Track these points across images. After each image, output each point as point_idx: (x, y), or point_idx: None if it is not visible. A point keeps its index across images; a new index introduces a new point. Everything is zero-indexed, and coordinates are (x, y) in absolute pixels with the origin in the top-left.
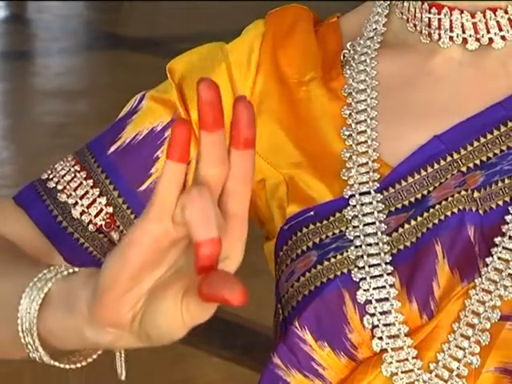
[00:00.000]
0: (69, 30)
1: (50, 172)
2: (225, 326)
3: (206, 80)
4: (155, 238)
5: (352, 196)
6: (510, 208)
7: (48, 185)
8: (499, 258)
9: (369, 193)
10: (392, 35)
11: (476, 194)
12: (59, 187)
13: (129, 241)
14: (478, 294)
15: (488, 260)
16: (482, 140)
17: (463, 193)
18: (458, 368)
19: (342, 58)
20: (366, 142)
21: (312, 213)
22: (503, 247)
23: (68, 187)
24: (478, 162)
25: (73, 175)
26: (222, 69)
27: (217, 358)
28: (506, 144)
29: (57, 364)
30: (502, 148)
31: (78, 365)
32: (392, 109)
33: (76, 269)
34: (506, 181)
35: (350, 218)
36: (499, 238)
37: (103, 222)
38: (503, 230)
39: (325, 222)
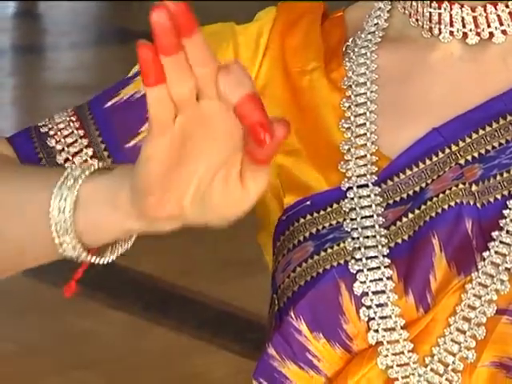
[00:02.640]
0: (79, 24)
1: (47, 120)
2: (234, 320)
3: (158, 6)
4: (166, 148)
5: (350, 188)
6: (507, 202)
7: (41, 130)
8: (496, 252)
9: (367, 186)
10: (394, 30)
11: (474, 188)
12: (51, 133)
13: (145, 157)
14: (474, 288)
15: (485, 254)
16: (481, 132)
17: (461, 186)
18: (453, 362)
19: (343, 49)
20: (364, 134)
21: (308, 202)
22: (500, 241)
23: (59, 133)
24: (476, 154)
25: (66, 124)
26: (229, 47)
27: (227, 353)
28: (504, 137)
29: (93, 260)
30: (500, 141)
31: (107, 259)
32: (391, 102)
33: (97, 166)
34: (505, 174)
35: (347, 210)
36: (496, 232)
37: None
38: (501, 224)
39: (322, 212)
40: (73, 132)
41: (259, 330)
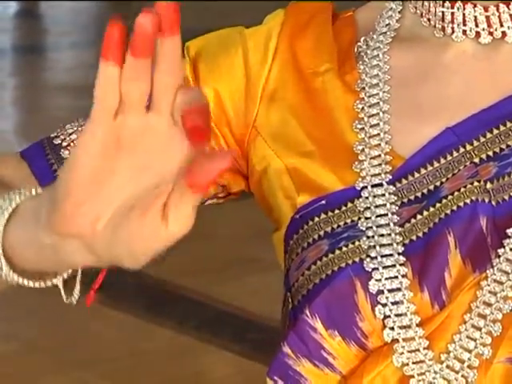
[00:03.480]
0: (80, 24)
1: (59, 130)
2: (235, 320)
3: (148, 11)
4: (99, 140)
5: (364, 188)
6: None
7: (54, 141)
8: (511, 250)
9: (381, 185)
10: (405, 30)
11: (489, 185)
12: (64, 144)
13: (77, 145)
14: (489, 285)
15: (500, 251)
16: (495, 131)
17: (476, 184)
18: (469, 359)
19: (355, 50)
20: (378, 134)
21: (323, 201)
22: None
23: (72, 144)
24: (490, 153)
25: (79, 134)
26: (238, 52)
27: (227, 353)
28: None
29: (20, 281)
30: None
31: (37, 285)
32: (404, 102)
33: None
34: None
35: (362, 209)
36: (511, 230)
37: None
38: None
39: (336, 211)
40: None
41: (259, 330)
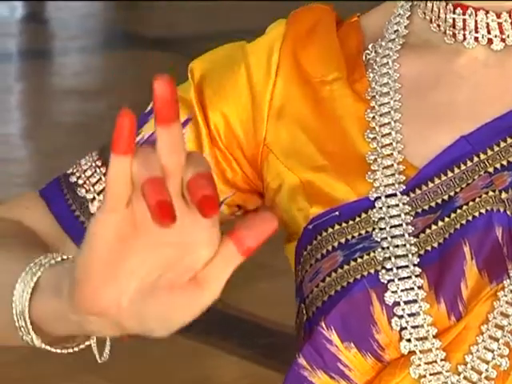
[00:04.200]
0: (87, 29)
1: (74, 167)
2: (243, 325)
3: (162, 77)
4: (114, 227)
5: (378, 198)
6: None
7: (70, 179)
8: None
9: (395, 195)
10: (414, 36)
11: (504, 195)
12: (80, 182)
13: (92, 233)
14: (506, 296)
15: None
16: (509, 141)
17: (491, 193)
18: (486, 370)
19: (364, 58)
20: (390, 144)
21: (337, 213)
22: None
23: (88, 182)
24: (505, 162)
25: (93, 170)
26: (241, 70)
27: (234, 357)
28: None
29: (48, 348)
30: None
31: (70, 350)
32: (416, 110)
33: (66, 256)
34: None
35: (376, 219)
36: None
37: None
38: None
39: (350, 222)
40: (101, 178)
41: (267, 335)
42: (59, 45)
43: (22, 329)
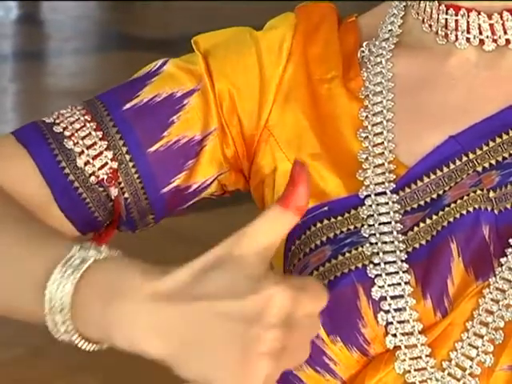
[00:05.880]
0: (82, 30)
1: (55, 117)
2: None
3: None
4: None
5: (368, 196)
6: None
7: (55, 129)
8: None
9: (385, 193)
10: (408, 36)
11: (491, 194)
12: (66, 133)
13: None
14: (492, 293)
15: (502, 260)
16: (498, 140)
17: (479, 192)
18: (470, 367)
19: (358, 56)
20: (382, 143)
21: (326, 208)
22: None
23: (76, 135)
24: (493, 161)
25: (82, 124)
26: (251, 52)
27: None
28: None
29: (80, 344)
30: None
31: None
32: (408, 110)
33: (110, 253)
34: None
35: (365, 216)
36: None
37: (105, 176)
38: None
39: (339, 217)
40: (90, 133)
41: None
42: (54, 46)
43: (56, 323)
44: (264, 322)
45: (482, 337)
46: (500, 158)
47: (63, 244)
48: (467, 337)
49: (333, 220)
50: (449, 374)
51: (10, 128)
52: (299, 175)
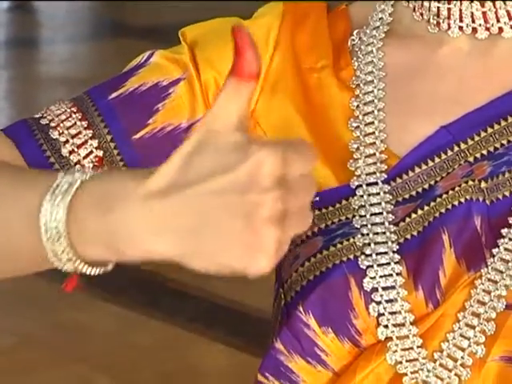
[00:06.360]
0: (74, 18)
1: (44, 112)
2: (229, 313)
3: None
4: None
5: (359, 186)
6: None
7: (41, 121)
8: (506, 249)
9: (376, 183)
10: (398, 25)
11: (483, 185)
12: (52, 124)
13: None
14: (483, 284)
15: (494, 250)
16: (490, 130)
17: (470, 183)
18: (462, 357)
19: (349, 45)
20: (373, 133)
21: (317, 198)
22: (510, 238)
23: (61, 125)
24: (485, 152)
25: (68, 115)
26: None
27: (220, 345)
28: None
29: (84, 269)
30: (509, 139)
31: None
32: (399, 100)
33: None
34: None
35: (356, 207)
36: (506, 230)
37: (91, 165)
38: (510, 221)
39: (330, 208)
40: (75, 123)
41: (253, 323)
42: (46, 34)
43: (57, 253)
44: (259, 187)
45: (473, 328)
46: (492, 149)
47: (51, 176)
48: (459, 328)
49: (324, 210)
50: (440, 365)
51: (2, 115)
52: (242, 40)
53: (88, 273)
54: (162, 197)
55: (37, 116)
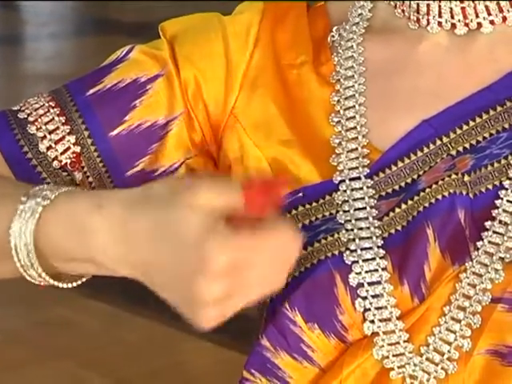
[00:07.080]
0: (59, 15)
1: (22, 104)
2: None
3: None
4: None
5: (342, 181)
6: (499, 192)
7: (19, 115)
8: (490, 242)
9: (359, 178)
10: (379, 20)
11: (466, 178)
12: (30, 119)
13: None
14: (468, 278)
15: (478, 244)
16: (471, 123)
17: (453, 176)
18: (448, 351)
19: (329, 41)
20: (355, 128)
21: (300, 194)
22: (493, 231)
23: (39, 120)
24: (467, 145)
25: (46, 110)
26: (218, 38)
27: (207, 343)
28: (495, 128)
29: (51, 282)
30: (491, 132)
31: (75, 284)
32: (380, 94)
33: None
34: (496, 165)
35: (339, 202)
36: (489, 222)
37: (68, 161)
38: (493, 214)
39: (314, 204)
40: (53, 119)
41: (242, 320)
42: (31, 30)
43: (24, 264)
44: (209, 271)
45: (459, 321)
46: (474, 142)
47: (18, 196)
48: (445, 321)
49: (308, 206)
50: (427, 359)
51: None
52: (279, 187)
53: (60, 285)
54: (125, 226)
55: (15, 108)
